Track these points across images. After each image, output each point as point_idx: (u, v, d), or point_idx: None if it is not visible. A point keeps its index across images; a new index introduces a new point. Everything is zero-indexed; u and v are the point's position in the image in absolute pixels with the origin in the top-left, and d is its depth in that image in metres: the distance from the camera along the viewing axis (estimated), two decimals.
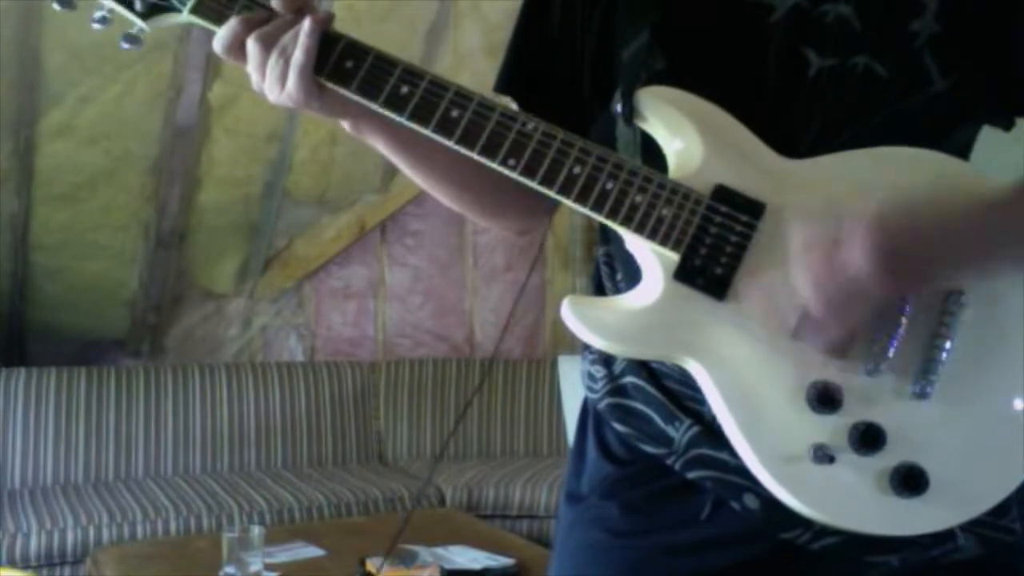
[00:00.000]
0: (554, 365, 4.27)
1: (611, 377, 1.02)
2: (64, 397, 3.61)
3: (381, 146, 1.02)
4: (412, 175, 1.07)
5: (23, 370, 3.60)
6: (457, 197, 1.09)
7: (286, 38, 0.92)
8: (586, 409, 1.08)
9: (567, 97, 1.03)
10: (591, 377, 1.05)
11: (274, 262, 4.19)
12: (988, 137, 1.02)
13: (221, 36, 0.93)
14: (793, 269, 0.84)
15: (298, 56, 0.91)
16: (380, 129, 0.99)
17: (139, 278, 3.82)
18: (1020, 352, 0.87)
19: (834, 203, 0.86)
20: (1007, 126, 0.97)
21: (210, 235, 3.90)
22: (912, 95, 0.91)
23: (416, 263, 4.49)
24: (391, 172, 4.16)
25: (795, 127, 0.91)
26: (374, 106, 0.93)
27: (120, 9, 0.95)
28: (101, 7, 0.95)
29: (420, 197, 4.32)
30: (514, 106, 1.06)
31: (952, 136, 0.94)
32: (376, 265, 4.43)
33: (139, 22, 0.96)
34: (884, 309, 0.84)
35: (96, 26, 0.96)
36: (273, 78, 0.92)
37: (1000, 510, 0.89)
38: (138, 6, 0.95)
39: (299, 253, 4.21)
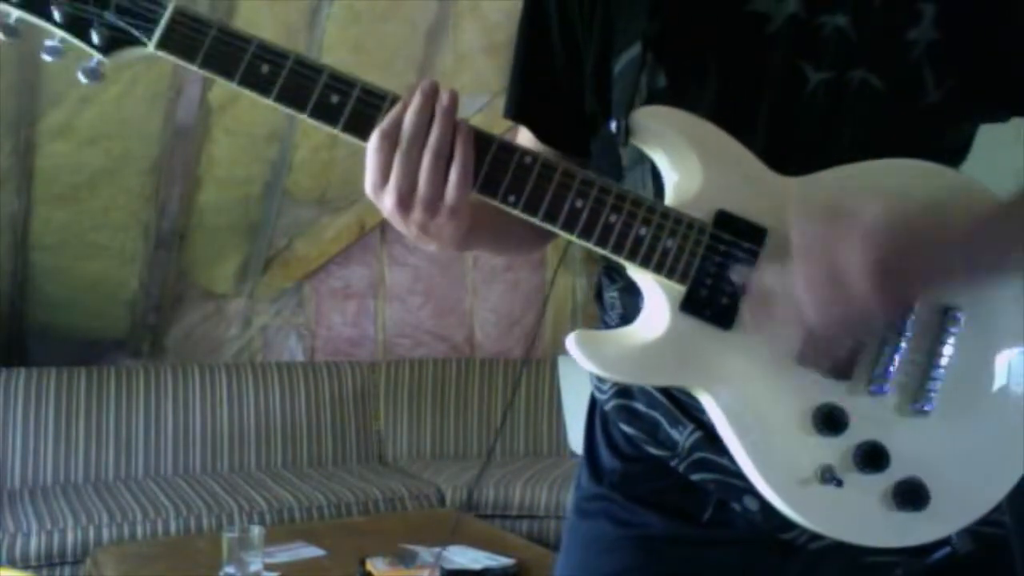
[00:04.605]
0: (554, 365, 4.27)
1: None
2: (64, 397, 3.61)
3: (479, 245, 0.99)
4: (496, 251, 1.05)
5: (23, 370, 3.60)
6: (515, 248, 1.10)
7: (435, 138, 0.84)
8: (594, 408, 1.09)
9: (577, 111, 1.02)
10: (599, 378, 1.05)
11: (274, 262, 4.18)
12: (989, 137, 1.02)
13: (370, 164, 0.85)
14: (796, 292, 0.83)
15: (462, 160, 0.84)
16: (477, 232, 0.94)
17: (139, 278, 3.82)
18: (1010, 363, 0.89)
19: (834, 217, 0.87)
20: (1003, 119, 0.98)
21: (210, 235, 3.89)
22: (907, 106, 0.91)
23: (416, 263, 4.48)
24: None
25: (793, 141, 0.91)
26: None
27: (76, 42, 0.85)
28: (52, 36, 0.84)
29: None
30: (526, 133, 1.05)
31: (946, 141, 0.94)
32: (376, 265, 4.43)
33: (97, 55, 0.86)
34: (884, 328, 0.85)
35: (46, 57, 0.85)
36: (429, 186, 0.84)
37: None
38: (96, 40, 0.85)
39: (299, 253, 4.21)
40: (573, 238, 0.88)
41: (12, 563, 2.97)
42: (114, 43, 0.85)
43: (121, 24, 0.84)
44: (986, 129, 0.99)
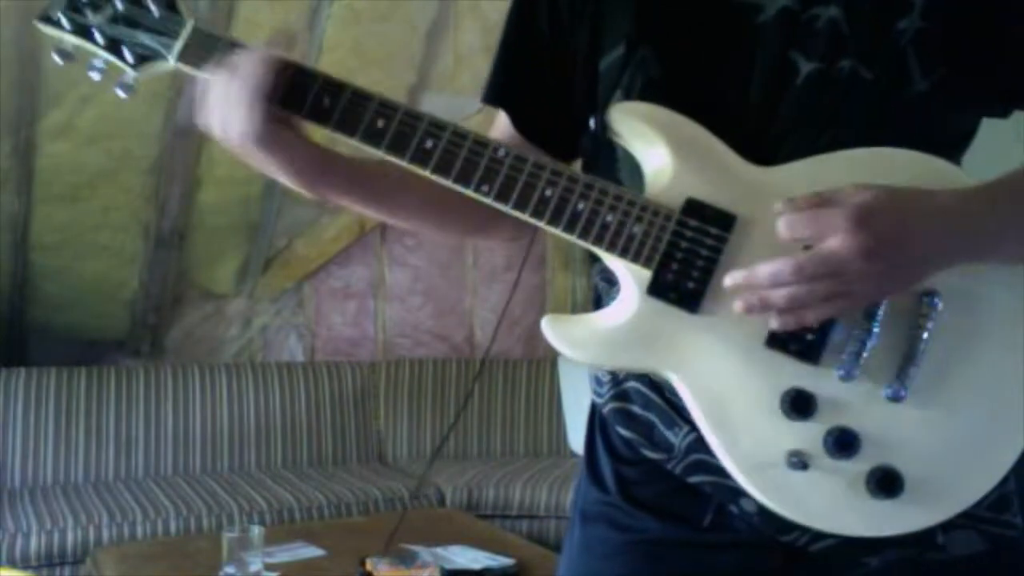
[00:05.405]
0: (554, 365, 4.27)
1: (615, 382, 1.02)
2: (64, 397, 3.61)
3: (344, 197, 1.05)
4: (383, 215, 1.08)
5: (23, 370, 3.60)
6: (439, 224, 1.11)
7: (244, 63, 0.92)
8: (593, 413, 1.09)
9: (560, 107, 1.03)
10: (597, 381, 1.05)
11: (274, 262, 4.18)
12: (989, 136, 1.02)
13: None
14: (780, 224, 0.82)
15: (248, 74, 0.91)
16: (342, 182, 1.02)
17: (139, 278, 3.82)
18: (996, 350, 0.87)
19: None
20: (1003, 115, 0.97)
21: (210, 235, 3.90)
22: (893, 96, 0.91)
23: (416, 263, 4.49)
24: None
25: (780, 133, 0.91)
26: (353, 141, 0.94)
27: (113, 60, 0.99)
28: (97, 57, 1.00)
29: None
30: (503, 117, 1.06)
31: (936, 133, 0.93)
32: (376, 265, 4.43)
33: (131, 71, 0.99)
34: (865, 302, 0.84)
35: (94, 75, 1.00)
36: (227, 104, 0.92)
37: (1001, 505, 0.90)
38: (128, 58, 0.98)
39: (299, 253, 4.21)
40: (543, 224, 0.91)
41: (12, 563, 2.97)
42: (142, 59, 0.99)
43: (148, 42, 0.97)
44: (986, 129, 0.98)
